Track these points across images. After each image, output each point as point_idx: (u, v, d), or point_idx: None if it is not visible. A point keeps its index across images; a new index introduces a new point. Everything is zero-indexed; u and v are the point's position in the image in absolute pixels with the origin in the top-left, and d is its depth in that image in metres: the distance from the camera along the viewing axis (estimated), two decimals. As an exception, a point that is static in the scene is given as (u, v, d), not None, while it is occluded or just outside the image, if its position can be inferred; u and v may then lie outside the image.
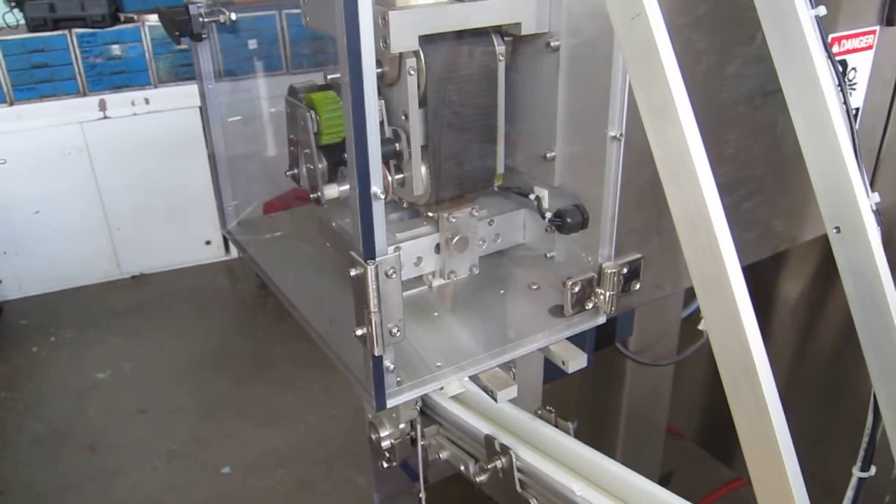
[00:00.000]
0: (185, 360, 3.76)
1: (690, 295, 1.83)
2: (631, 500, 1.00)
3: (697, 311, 1.77)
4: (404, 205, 1.23)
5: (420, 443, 1.31)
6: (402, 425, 1.32)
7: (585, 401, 1.95)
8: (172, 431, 3.26)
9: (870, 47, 1.30)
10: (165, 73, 4.17)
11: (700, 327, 1.74)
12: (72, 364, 3.75)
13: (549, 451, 1.13)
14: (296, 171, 1.17)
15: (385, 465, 1.38)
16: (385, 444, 1.33)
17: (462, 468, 1.26)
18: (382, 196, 0.88)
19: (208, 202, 4.47)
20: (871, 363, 0.79)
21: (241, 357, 3.78)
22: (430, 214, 1.20)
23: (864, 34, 1.28)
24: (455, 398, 1.30)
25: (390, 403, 1.03)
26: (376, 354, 0.97)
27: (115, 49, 4.04)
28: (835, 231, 0.79)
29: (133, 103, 4.14)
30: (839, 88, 0.77)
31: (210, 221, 4.53)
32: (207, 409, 3.41)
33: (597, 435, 1.96)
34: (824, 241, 1.66)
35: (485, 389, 1.11)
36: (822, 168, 0.77)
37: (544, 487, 1.09)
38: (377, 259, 0.90)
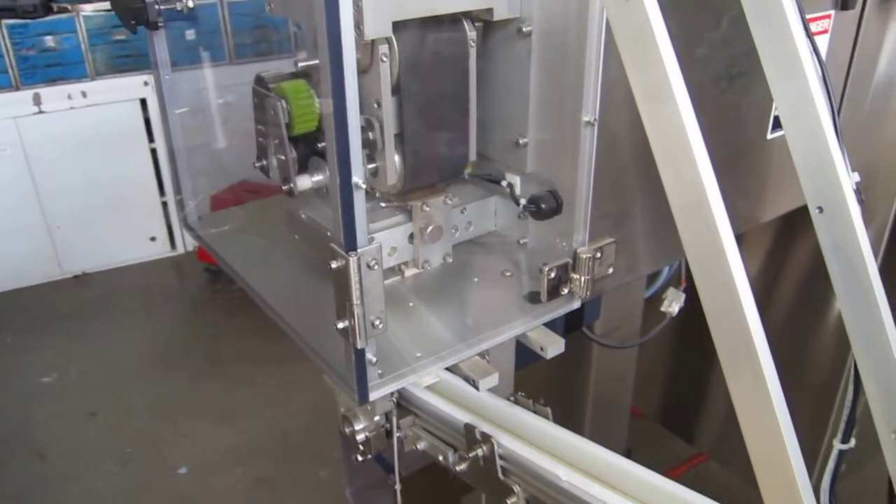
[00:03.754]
0: (134, 360, 3.66)
1: (651, 277, 1.86)
2: (616, 483, 1.01)
3: (659, 292, 1.80)
4: (376, 195, 1.22)
5: (396, 434, 1.30)
6: (377, 417, 1.31)
7: (552, 386, 1.96)
8: (125, 433, 3.18)
9: (825, 31, 1.33)
10: (103, 65, 4.03)
11: (662, 308, 1.77)
12: (15, 369, 3.61)
13: (530, 437, 1.13)
14: (264, 162, 1.14)
15: (360, 458, 1.36)
16: (360, 437, 1.32)
17: (440, 458, 1.25)
18: (364, 186, 0.87)
19: (152, 197, 4.36)
20: (853, 338, 0.81)
21: (193, 355, 3.70)
22: (403, 205, 1.18)
23: (820, 18, 1.31)
24: (430, 388, 1.29)
25: (373, 396, 1.02)
26: (359, 347, 0.95)
27: (49, 41, 3.88)
28: (818, 211, 0.80)
29: (70, 97, 3.99)
30: (820, 69, 0.79)
31: (155, 217, 4.42)
32: (161, 409, 3.32)
33: (563, 419, 1.97)
34: (778, 222, 1.70)
35: (466, 378, 1.11)
36: (805, 148, 0.79)
37: (528, 473, 1.09)
38: (359, 251, 0.89)
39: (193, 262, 4.41)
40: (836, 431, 0.90)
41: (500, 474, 1.12)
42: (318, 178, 1.09)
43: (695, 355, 2.13)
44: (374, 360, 0.99)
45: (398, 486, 1.37)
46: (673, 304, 1.69)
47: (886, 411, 0.79)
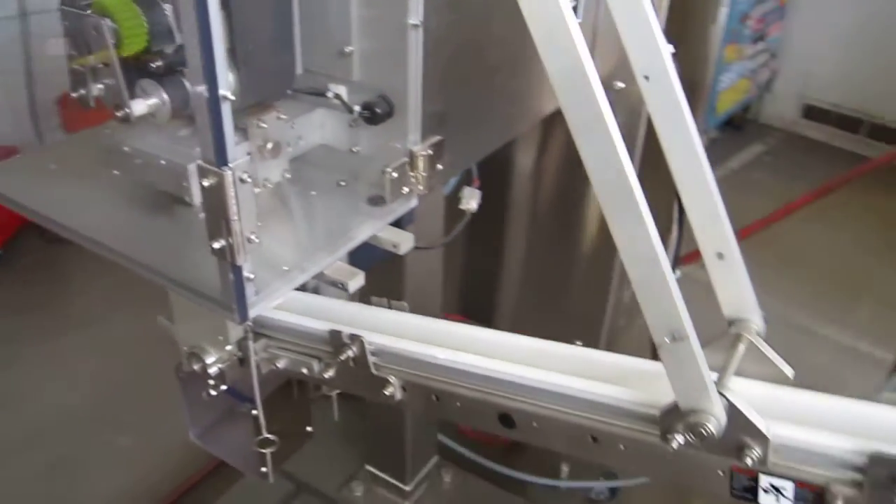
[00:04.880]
0: None
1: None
2: (487, 351, 1.12)
3: (455, 191, 1.93)
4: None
5: (253, 359, 1.30)
6: (229, 347, 1.30)
7: (369, 296, 2.03)
8: None
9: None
10: None
11: (462, 206, 1.89)
12: None
13: (395, 331, 1.20)
14: (83, 91, 1.05)
15: (213, 392, 1.35)
16: (213, 370, 1.30)
17: (305, 371, 1.28)
18: (231, 98, 0.86)
19: None
20: (680, 186, 0.98)
21: (-67, 347, 3.24)
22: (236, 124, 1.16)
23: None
24: (280, 307, 1.30)
25: (252, 313, 1.03)
26: (238, 263, 0.95)
27: None
28: (645, 79, 0.94)
29: None
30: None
31: None
32: None
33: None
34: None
35: (334, 283, 1.14)
36: (630, 26, 0.91)
37: (402, 361, 1.16)
38: (231, 164, 0.88)
39: None
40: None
41: (372, 370, 1.18)
42: (153, 101, 1.03)
43: (486, 248, 2.32)
44: (252, 276, 0.99)
45: (257, 411, 1.38)
46: (471, 201, 1.82)
47: (709, 237, 0.99)
